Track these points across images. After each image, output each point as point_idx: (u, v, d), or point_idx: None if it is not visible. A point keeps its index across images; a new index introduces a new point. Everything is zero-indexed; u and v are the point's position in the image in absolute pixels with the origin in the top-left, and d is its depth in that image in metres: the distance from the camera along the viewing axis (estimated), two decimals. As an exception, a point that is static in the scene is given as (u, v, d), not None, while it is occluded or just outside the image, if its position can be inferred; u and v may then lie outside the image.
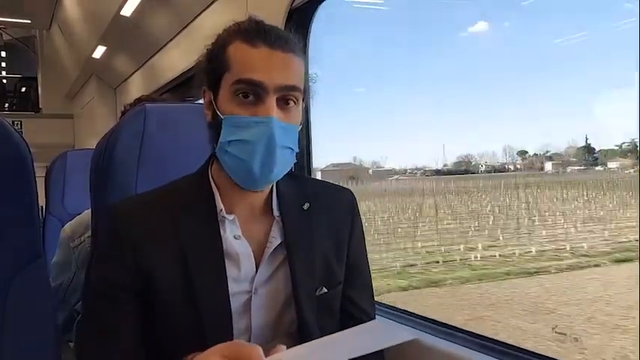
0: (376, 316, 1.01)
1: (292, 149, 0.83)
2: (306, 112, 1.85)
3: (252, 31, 0.81)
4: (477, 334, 1.16)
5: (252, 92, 0.79)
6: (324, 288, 0.89)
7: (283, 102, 0.81)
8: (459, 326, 1.23)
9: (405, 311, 1.40)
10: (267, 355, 0.86)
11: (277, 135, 0.78)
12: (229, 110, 0.80)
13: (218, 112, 0.82)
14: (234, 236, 0.85)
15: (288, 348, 0.87)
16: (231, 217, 0.86)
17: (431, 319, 1.30)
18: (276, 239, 0.87)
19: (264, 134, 0.78)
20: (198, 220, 0.85)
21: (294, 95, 0.82)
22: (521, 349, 1.09)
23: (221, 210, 0.85)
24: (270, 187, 0.89)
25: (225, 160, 0.82)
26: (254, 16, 0.84)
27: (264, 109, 0.78)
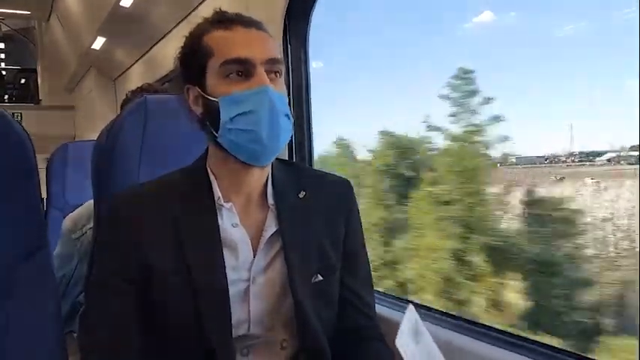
0: (376, 306, 1.02)
1: (289, 117, 0.85)
2: (307, 103, 1.85)
3: (223, 18, 0.85)
4: (479, 323, 1.17)
5: (241, 70, 0.82)
6: (319, 275, 0.89)
7: (271, 74, 0.84)
8: (456, 314, 1.23)
9: (404, 299, 1.41)
10: (266, 343, 0.87)
11: (276, 101, 0.81)
12: (222, 91, 0.82)
13: (211, 98, 0.83)
14: (232, 224, 0.86)
15: (287, 335, 0.88)
16: (228, 205, 0.86)
17: (432, 308, 1.30)
18: (271, 227, 0.88)
19: (265, 101, 0.81)
20: (195, 209, 0.86)
21: (278, 67, 0.85)
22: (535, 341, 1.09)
23: (219, 198, 0.86)
24: (267, 170, 0.90)
25: (230, 140, 0.83)
26: (216, 7, 0.88)
27: (258, 81, 0.81)
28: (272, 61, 0.83)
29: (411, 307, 0.79)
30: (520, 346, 1.08)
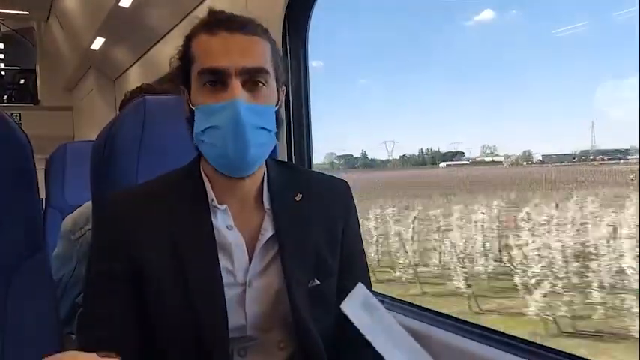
0: None
1: (267, 130, 0.83)
2: (306, 103, 1.85)
3: (211, 22, 0.83)
4: (478, 325, 1.17)
5: (217, 79, 0.80)
6: (316, 280, 0.88)
7: (251, 84, 0.81)
8: (457, 316, 1.23)
9: (403, 301, 1.40)
10: (264, 344, 0.87)
11: (244, 116, 0.79)
12: (199, 100, 0.82)
13: (191, 105, 0.84)
14: (226, 226, 0.86)
15: (284, 339, 0.88)
16: (222, 207, 0.86)
17: (430, 310, 1.30)
18: (267, 231, 0.87)
19: (229, 117, 0.79)
20: (190, 210, 0.85)
21: (261, 76, 0.82)
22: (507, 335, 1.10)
23: (212, 200, 0.86)
24: (259, 174, 0.89)
25: (203, 150, 0.84)
26: (213, 8, 0.86)
27: (228, 93, 0.79)
28: (251, 71, 0.81)
29: (359, 285, 0.85)
30: (496, 340, 1.10)
